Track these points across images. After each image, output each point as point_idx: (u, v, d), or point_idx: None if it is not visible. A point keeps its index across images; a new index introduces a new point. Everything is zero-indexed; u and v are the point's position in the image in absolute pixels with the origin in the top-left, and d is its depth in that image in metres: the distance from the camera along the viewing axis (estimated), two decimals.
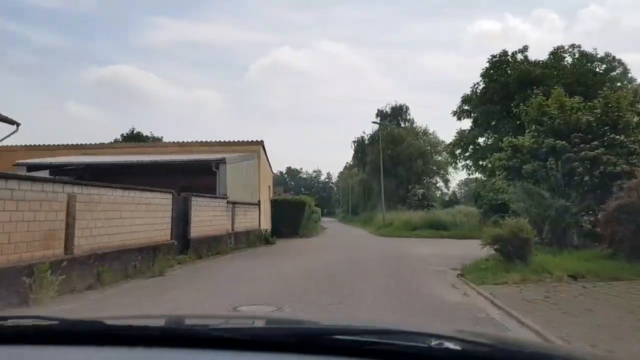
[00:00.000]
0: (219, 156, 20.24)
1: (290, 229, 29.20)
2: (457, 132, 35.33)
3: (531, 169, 15.03)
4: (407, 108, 68.99)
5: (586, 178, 14.77)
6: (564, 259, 12.66)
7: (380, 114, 69.11)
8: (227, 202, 19.57)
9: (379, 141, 61.14)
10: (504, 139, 16.47)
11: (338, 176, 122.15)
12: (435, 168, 63.05)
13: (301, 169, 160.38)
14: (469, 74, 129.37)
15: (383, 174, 58.15)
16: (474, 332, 2.03)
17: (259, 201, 24.86)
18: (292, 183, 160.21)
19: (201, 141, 25.30)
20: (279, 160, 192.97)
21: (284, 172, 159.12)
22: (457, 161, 36.78)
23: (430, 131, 64.09)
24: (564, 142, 15.12)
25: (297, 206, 30.23)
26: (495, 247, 11.96)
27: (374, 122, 41.55)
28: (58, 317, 1.52)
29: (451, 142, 35.48)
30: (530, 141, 16.05)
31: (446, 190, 65.76)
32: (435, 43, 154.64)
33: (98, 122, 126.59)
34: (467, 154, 35.25)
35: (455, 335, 1.40)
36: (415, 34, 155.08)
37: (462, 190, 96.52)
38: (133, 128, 54.88)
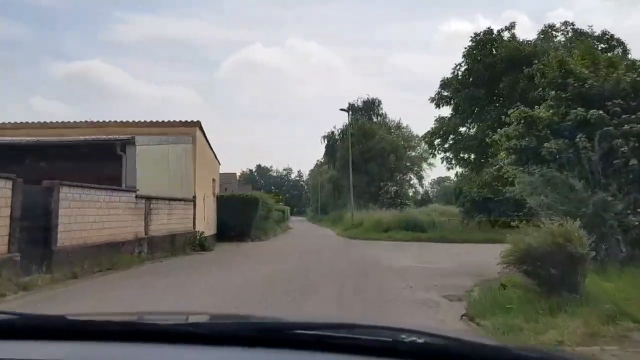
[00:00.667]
0: (125, 136, 14.98)
1: (240, 230, 24.02)
2: (436, 120, 30.67)
3: (555, 149, 10.37)
4: (379, 102, 64.30)
5: (633, 162, 10.22)
6: (624, 282, 7.93)
7: (352, 107, 64.21)
8: (137, 196, 14.36)
9: (348, 135, 56.62)
10: (512, 111, 11.76)
11: (309, 174, 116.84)
12: (408, 164, 58.60)
13: (271, 166, 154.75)
14: (442, 74, 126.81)
15: (353, 170, 53.55)
16: (440, 328, 1.85)
17: (195, 197, 19.61)
18: (262, 181, 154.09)
19: (122, 121, 19.95)
20: (249, 159, 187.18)
21: (254, 170, 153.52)
22: (436, 152, 32.12)
23: (404, 125, 59.61)
24: (600, 112, 10.54)
25: (248, 203, 25.05)
26: (524, 268, 7.11)
27: (342, 110, 36.83)
28: (18, 312, 1.57)
29: (429, 131, 30.77)
30: (549, 112, 11.46)
31: (419, 189, 61.50)
32: (408, 43, 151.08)
33: (66, 118, 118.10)
34: (446, 145, 30.63)
35: (419, 329, 1.37)
36: (389, 34, 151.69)
37: (434, 189, 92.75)
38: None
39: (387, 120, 60.30)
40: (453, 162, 31.05)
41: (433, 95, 31.85)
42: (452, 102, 30.96)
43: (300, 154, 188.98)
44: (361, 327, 1.39)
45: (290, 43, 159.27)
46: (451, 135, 30.34)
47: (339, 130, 64.30)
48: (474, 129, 29.80)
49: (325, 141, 69.80)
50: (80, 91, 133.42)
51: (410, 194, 58.72)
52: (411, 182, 59.71)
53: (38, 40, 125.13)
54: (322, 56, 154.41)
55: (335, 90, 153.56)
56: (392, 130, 59.36)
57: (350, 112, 60.37)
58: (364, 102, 64.85)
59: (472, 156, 30.07)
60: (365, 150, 55.54)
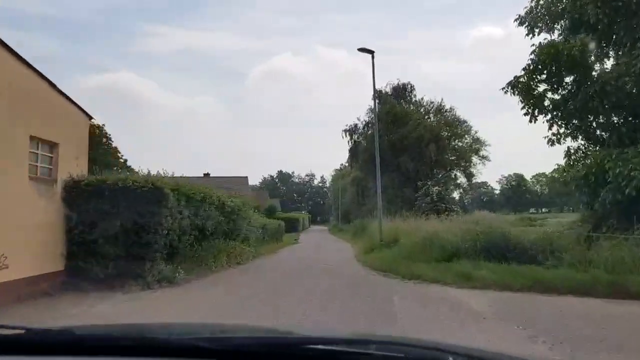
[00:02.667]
0: None
1: (126, 263, 10.15)
2: (535, 48, 16.08)
3: None
4: (412, 87, 49.35)
5: None
6: None
7: (379, 95, 49.35)
8: None
9: (375, 108, 42.52)
10: None
11: (331, 179, 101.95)
12: (453, 158, 43.91)
13: (293, 172, 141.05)
14: (469, 81, 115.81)
15: (381, 167, 39.67)
16: (452, 344, 1.55)
17: None
18: (284, 188, 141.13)
19: None
20: (273, 167, 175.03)
21: (275, 176, 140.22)
22: (535, 107, 16.97)
23: (447, 107, 44.79)
24: None
25: (145, 202, 10.92)
26: None
27: (361, 50, 21.83)
28: (25, 326, 1.50)
29: (525, 68, 16.04)
30: None
31: (468, 190, 46.39)
32: (434, 49, 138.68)
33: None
34: (555, 97, 16.11)
35: (432, 345, 1.35)
36: (415, 40, 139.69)
37: (469, 196, 77.17)
38: None
39: (424, 102, 45.71)
40: (565, 128, 16.39)
41: (522, 14, 17.46)
42: (561, 20, 16.49)
43: (324, 161, 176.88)
44: (374, 342, 1.38)
45: (316, 51, 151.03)
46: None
47: (363, 122, 50.21)
48: (614, 58, 15.25)
49: (348, 135, 55.66)
50: (109, 102, 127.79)
51: (456, 197, 44.14)
52: (458, 182, 44.83)
53: (70, 54, 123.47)
54: (347, 64, 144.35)
55: (362, 98, 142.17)
56: (431, 114, 44.80)
57: (377, 102, 46.19)
58: (393, 88, 50.11)
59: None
60: (396, 141, 41.27)
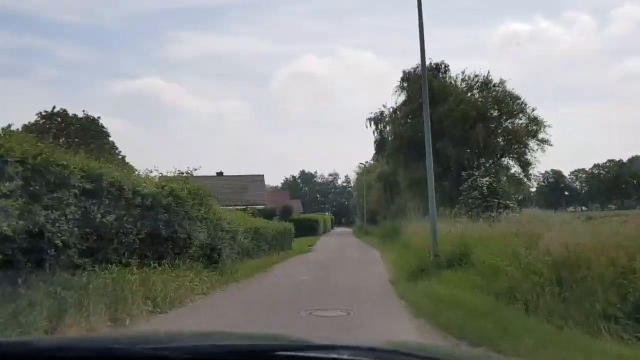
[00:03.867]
0: None
1: None
2: None
3: None
4: (446, 67, 40.18)
5: None
6: None
7: (407, 77, 40.46)
8: None
9: (408, 104, 35.15)
10: None
11: (355, 177, 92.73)
12: (503, 142, 34.97)
13: (316, 172, 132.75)
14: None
15: (415, 156, 32.23)
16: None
17: None
18: (306, 189, 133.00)
19: None
20: (297, 167, 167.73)
21: (297, 176, 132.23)
22: None
23: (495, 81, 35.74)
24: None
25: None
26: None
27: None
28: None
29: None
30: None
31: (525, 181, 37.14)
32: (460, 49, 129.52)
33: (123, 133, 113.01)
34: None
35: (405, 351, 1.35)
36: (442, 41, 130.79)
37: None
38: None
39: (467, 76, 36.80)
40: None
41: None
42: None
43: (348, 161, 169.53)
44: (346, 347, 1.34)
45: (340, 53, 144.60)
46: None
47: (390, 109, 41.72)
48: None
49: (373, 125, 47.32)
50: (138, 108, 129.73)
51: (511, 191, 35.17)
52: (513, 171, 35.70)
53: (98, 60, 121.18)
54: (372, 65, 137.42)
55: (386, 98, 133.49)
56: (476, 90, 35.91)
57: (406, 83, 37.64)
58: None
59: None
60: (433, 121, 32.66)
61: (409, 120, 32.81)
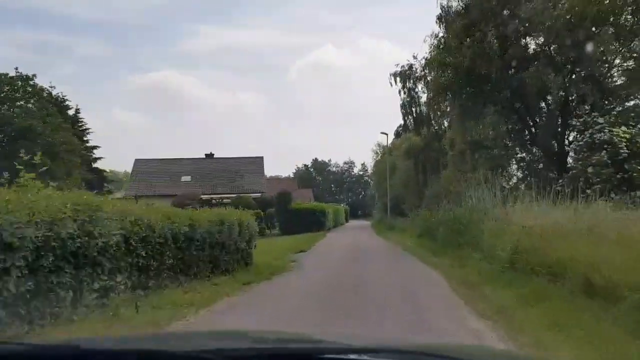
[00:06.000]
0: None
1: None
2: None
3: None
4: None
5: None
6: None
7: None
8: None
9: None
10: None
11: (373, 164, 77.44)
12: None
13: (330, 160, 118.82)
14: None
15: (474, 102, 18.33)
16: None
17: None
18: (320, 178, 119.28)
19: None
20: (308, 155, 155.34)
21: (309, 165, 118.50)
22: None
23: None
24: None
25: None
26: None
27: None
28: (23, 342, 1.52)
29: None
30: None
31: None
32: None
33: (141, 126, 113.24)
34: None
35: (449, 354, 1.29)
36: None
37: None
38: None
39: None
40: None
41: None
42: None
43: (364, 152, 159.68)
44: (387, 350, 1.32)
45: (358, 44, 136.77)
46: None
47: (423, 60, 27.95)
48: None
49: (399, 82, 33.74)
50: (156, 101, 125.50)
51: None
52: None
53: (116, 55, 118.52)
54: (391, 56, 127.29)
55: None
56: None
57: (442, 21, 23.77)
58: None
59: None
60: (508, 36, 18.78)
61: (464, 43, 18.93)
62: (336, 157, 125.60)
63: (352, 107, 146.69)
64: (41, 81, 39.38)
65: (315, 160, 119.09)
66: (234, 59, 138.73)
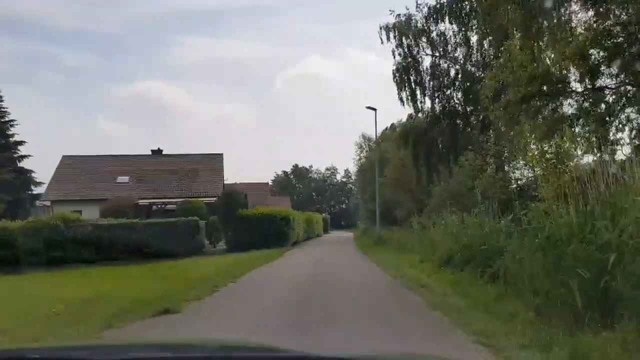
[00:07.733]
0: None
1: None
2: None
3: None
4: None
5: None
6: None
7: None
8: None
9: None
10: None
11: (357, 168, 66.26)
12: None
13: (311, 167, 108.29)
14: None
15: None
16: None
17: None
18: (300, 185, 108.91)
19: None
20: (286, 161, 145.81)
21: (289, 172, 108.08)
22: None
23: None
24: None
25: None
26: None
27: None
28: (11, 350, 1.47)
29: None
30: None
31: None
32: None
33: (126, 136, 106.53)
34: None
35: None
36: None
37: None
38: None
39: None
40: None
41: None
42: None
43: (348, 160, 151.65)
44: (367, 358, 1.33)
45: (344, 55, 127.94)
46: None
47: (426, 7, 17.86)
48: None
49: (393, 38, 23.64)
50: (139, 111, 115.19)
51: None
52: None
53: (101, 65, 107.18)
54: (377, 67, 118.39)
55: (392, 101, 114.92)
56: None
57: None
58: None
59: None
60: None
61: None
62: (318, 164, 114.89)
63: (338, 117, 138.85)
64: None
65: (295, 167, 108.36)
66: (220, 71, 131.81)
